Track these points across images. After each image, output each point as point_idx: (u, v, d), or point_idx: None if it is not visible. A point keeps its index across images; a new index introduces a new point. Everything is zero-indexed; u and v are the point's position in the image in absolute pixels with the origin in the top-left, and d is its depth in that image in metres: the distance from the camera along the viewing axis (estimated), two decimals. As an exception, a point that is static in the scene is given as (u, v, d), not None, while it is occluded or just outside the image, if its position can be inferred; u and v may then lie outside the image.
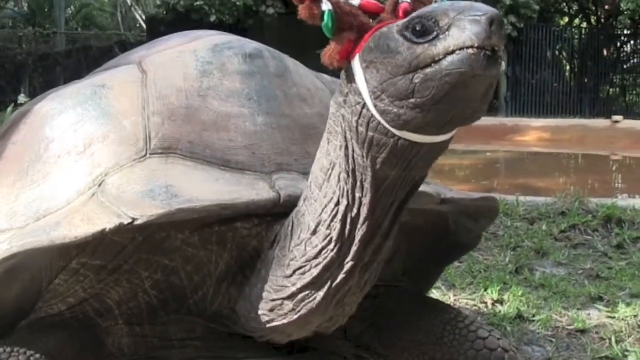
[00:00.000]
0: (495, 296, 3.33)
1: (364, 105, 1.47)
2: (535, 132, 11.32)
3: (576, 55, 19.81)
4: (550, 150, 11.00)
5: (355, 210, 1.54)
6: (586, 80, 19.14)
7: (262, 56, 1.99)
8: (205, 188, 1.68)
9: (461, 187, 7.77)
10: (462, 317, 1.95)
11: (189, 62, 1.95)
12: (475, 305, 3.27)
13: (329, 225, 1.57)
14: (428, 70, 1.36)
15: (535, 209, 4.83)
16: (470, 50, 1.32)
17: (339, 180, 1.54)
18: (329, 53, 1.50)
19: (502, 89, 17.49)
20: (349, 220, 1.55)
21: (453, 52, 1.33)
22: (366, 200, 1.52)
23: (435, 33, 1.36)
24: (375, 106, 1.45)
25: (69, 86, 2.07)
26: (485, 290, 3.41)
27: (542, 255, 4.14)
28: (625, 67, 20.20)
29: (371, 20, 1.54)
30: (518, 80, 18.05)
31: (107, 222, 1.58)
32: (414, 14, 1.42)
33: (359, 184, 1.52)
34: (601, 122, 12.50)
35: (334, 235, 1.56)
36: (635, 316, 3.20)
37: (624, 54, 20.24)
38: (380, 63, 1.43)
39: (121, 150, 1.78)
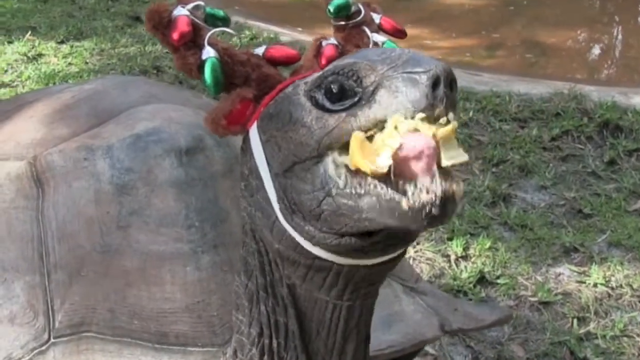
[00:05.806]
0: (460, 250, 3.08)
1: (267, 198, 1.06)
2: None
3: None
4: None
5: (280, 341, 1.16)
6: None
7: (204, 147, 1.44)
8: None
9: (462, 41, 7.22)
10: None
11: (101, 169, 1.41)
12: (436, 262, 3.03)
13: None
14: (342, 201, 0.95)
15: (528, 105, 4.45)
16: None
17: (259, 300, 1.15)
18: (212, 116, 1.08)
19: None
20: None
21: None
22: (292, 327, 1.14)
23: (357, 96, 0.94)
24: (280, 201, 1.04)
25: None
26: (450, 240, 3.16)
27: (526, 173, 3.84)
28: None
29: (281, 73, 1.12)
30: None
31: None
32: (329, 67, 0.99)
33: (280, 304, 1.14)
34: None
35: None
36: (607, 281, 2.96)
37: None
38: (282, 138, 1.01)
39: (13, 334, 1.29)
